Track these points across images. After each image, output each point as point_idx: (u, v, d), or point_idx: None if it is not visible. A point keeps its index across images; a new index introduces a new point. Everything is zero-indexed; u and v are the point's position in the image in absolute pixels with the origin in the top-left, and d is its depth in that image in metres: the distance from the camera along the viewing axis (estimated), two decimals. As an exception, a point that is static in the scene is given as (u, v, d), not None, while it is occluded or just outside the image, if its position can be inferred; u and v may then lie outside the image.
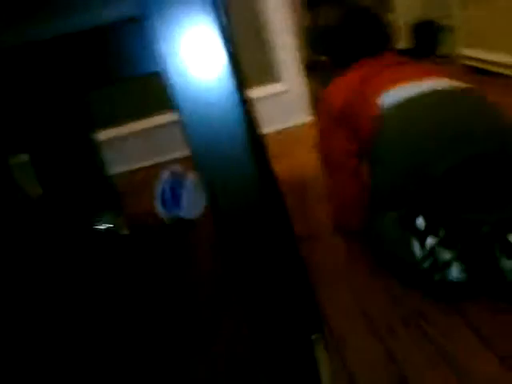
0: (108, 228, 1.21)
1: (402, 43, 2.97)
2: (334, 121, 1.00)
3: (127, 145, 2.10)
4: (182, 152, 2.10)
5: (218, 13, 0.43)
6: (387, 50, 1.09)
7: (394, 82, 0.92)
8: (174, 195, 1.14)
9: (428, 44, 2.84)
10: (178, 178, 1.17)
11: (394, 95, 0.89)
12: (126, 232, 1.25)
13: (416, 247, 0.73)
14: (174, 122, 2.05)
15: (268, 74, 2.03)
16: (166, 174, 1.17)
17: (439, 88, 0.88)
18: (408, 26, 2.92)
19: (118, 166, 2.04)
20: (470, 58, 2.18)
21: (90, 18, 0.43)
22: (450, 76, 0.96)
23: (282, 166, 1.46)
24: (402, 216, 0.77)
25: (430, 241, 0.72)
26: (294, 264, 0.60)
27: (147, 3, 0.41)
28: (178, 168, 1.22)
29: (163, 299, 0.99)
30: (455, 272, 0.71)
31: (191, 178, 1.19)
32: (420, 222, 0.74)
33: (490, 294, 0.72)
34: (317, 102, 1.13)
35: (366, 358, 0.67)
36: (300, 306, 0.56)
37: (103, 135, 1.96)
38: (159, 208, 1.16)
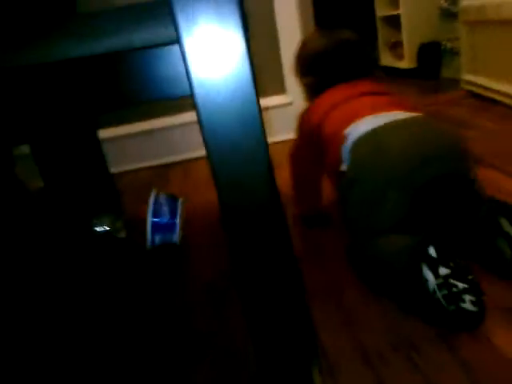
0: (106, 230, 1.21)
1: (407, 63, 3.01)
2: (306, 138, 1.15)
3: (128, 144, 2.10)
4: (182, 155, 2.11)
5: (246, 32, 0.45)
6: (366, 76, 1.19)
7: (362, 112, 1.00)
8: (166, 228, 1.10)
9: (432, 65, 2.87)
10: (167, 207, 1.12)
11: (360, 126, 0.96)
12: (123, 235, 1.25)
13: (429, 276, 0.73)
14: (175, 126, 2.07)
15: (274, 85, 2.05)
16: (153, 206, 1.11)
17: (403, 117, 0.96)
18: (414, 46, 2.95)
19: (116, 166, 2.05)
20: (473, 84, 2.21)
21: (121, 41, 0.44)
22: (415, 108, 1.05)
23: (280, 178, 1.47)
24: (413, 245, 0.78)
25: (443, 271, 0.73)
26: (296, 281, 0.61)
27: (179, 27, 0.42)
28: (163, 196, 1.16)
29: (156, 306, 0.99)
30: (468, 304, 0.72)
31: (179, 203, 1.15)
32: (432, 251, 0.75)
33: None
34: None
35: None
36: (301, 326, 0.57)
37: (105, 134, 1.96)
38: (150, 242, 1.12)
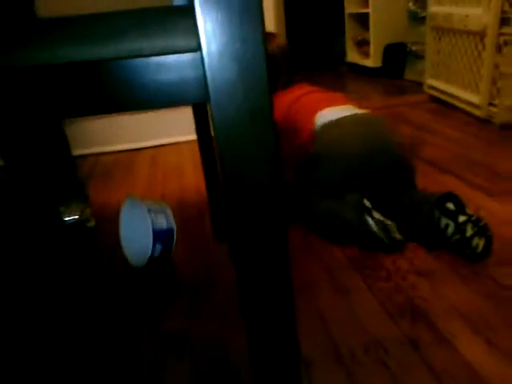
0: (75, 220, 1.17)
1: (373, 61, 3.07)
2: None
3: (89, 127, 2.04)
4: (148, 142, 2.08)
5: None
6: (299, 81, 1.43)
7: (323, 104, 1.25)
8: (167, 241, 1.06)
9: (396, 66, 2.95)
10: (163, 221, 1.05)
11: (325, 115, 1.22)
12: (92, 224, 1.22)
13: (371, 221, 1.05)
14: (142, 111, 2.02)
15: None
16: (154, 223, 1.02)
17: (355, 111, 1.23)
18: (380, 46, 3.01)
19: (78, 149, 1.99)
20: (435, 89, 2.29)
21: (147, 47, 0.44)
22: (354, 103, 1.31)
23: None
24: (357, 200, 1.08)
25: (376, 214, 1.06)
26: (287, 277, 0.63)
27: (201, 37, 0.42)
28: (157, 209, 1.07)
29: (130, 303, 0.99)
30: (396, 234, 1.05)
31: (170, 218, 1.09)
32: (367, 203, 1.07)
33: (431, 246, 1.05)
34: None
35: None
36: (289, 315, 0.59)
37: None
38: (145, 259, 1.04)
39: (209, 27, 0.43)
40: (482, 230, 0.98)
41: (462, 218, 0.98)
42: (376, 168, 1.13)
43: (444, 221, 1.00)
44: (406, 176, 1.18)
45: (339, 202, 1.13)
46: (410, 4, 2.73)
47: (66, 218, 1.17)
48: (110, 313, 0.95)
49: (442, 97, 2.23)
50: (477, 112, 1.92)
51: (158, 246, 1.02)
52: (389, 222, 1.05)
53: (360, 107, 1.27)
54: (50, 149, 1.34)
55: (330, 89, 1.44)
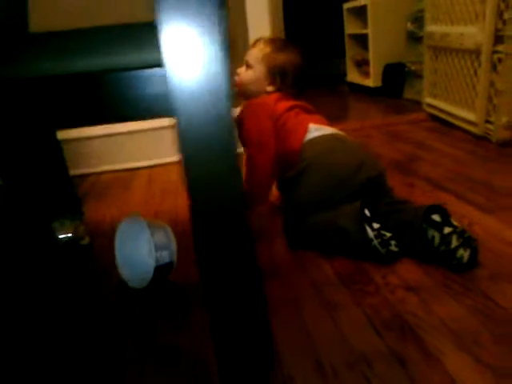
0: (68, 237, 1.17)
1: (373, 81, 3.10)
2: (270, 125, 1.27)
3: (90, 146, 2.06)
4: (146, 161, 2.10)
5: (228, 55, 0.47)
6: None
7: (309, 122, 1.28)
8: (164, 273, 1.07)
9: (396, 86, 2.96)
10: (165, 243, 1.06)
11: (313, 132, 1.24)
12: (86, 242, 1.22)
13: (369, 231, 1.05)
14: (142, 130, 2.05)
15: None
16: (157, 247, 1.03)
17: (336, 131, 1.29)
18: (380, 66, 3.04)
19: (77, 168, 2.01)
20: (434, 107, 2.30)
21: (118, 61, 0.45)
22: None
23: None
24: (356, 208, 1.08)
25: (375, 225, 1.06)
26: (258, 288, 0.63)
27: (164, 51, 0.44)
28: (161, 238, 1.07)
29: (122, 319, 0.98)
30: (393, 247, 1.06)
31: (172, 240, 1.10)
32: (367, 212, 1.08)
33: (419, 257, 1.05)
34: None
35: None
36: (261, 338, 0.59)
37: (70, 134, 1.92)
38: (139, 285, 1.05)
39: (171, 42, 0.43)
40: (467, 241, 0.98)
41: (447, 230, 0.99)
42: (360, 181, 1.16)
43: (430, 232, 1.01)
44: (384, 187, 1.22)
45: (333, 212, 1.13)
46: (409, 24, 2.77)
47: (60, 236, 1.17)
48: (101, 327, 0.94)
49: (440, 115, 2.24)
50: (474, 129, 1.92)
51: (155, 277, 1.03)
52: (388, 234, 1.06)
53: (337, 129, 1.32)
54: (46, 164, 1.35)
55: (331, 108, 1.42)
